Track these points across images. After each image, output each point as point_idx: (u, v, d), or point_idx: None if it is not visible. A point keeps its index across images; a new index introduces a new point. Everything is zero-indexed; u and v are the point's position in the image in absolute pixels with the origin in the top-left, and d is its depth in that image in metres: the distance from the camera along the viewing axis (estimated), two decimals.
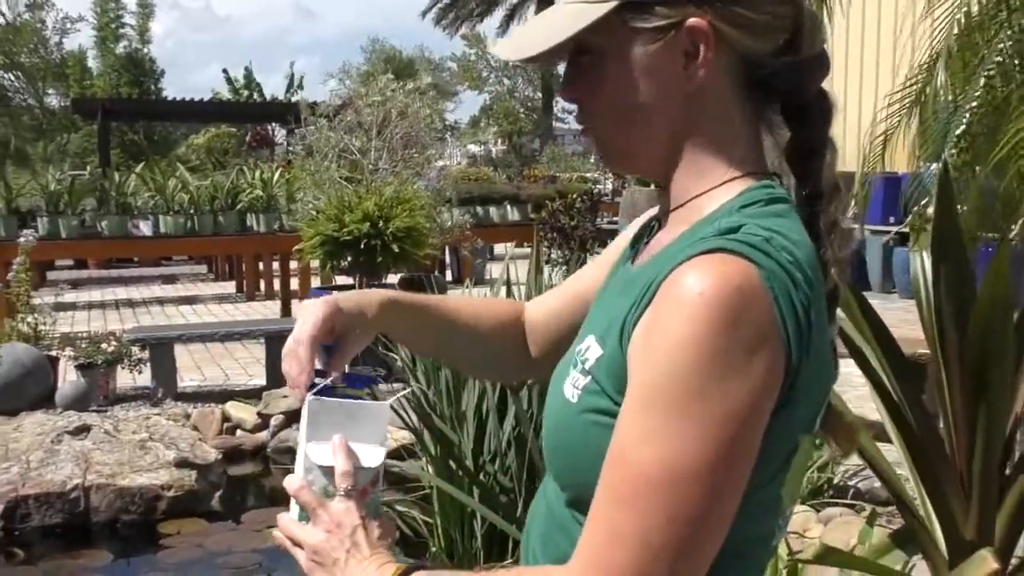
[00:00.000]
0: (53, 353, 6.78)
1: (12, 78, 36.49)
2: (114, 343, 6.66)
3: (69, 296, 14.27)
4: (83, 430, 5.60)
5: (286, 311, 10.95)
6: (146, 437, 5.60)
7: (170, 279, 17.12)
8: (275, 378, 6.82)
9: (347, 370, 1.14)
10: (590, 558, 0.86)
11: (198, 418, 6.28)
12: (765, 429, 0.85)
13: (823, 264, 0.94)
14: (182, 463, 5.27)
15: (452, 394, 4.36)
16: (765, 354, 0.83)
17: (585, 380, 0.95)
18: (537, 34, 0.98)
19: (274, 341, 6.94)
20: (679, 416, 0.83)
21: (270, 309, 11.86)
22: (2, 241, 8.96)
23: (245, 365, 8.07)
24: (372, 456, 1.06)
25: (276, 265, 12.26)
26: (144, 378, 6.86)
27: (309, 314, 1.11)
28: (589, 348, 0.97)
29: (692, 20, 0.91)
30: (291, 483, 1.05)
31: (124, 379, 6.98)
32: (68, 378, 6.76)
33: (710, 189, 0.97)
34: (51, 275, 17.17)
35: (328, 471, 1.04)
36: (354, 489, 1.03)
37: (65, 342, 6.91)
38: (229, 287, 15.16)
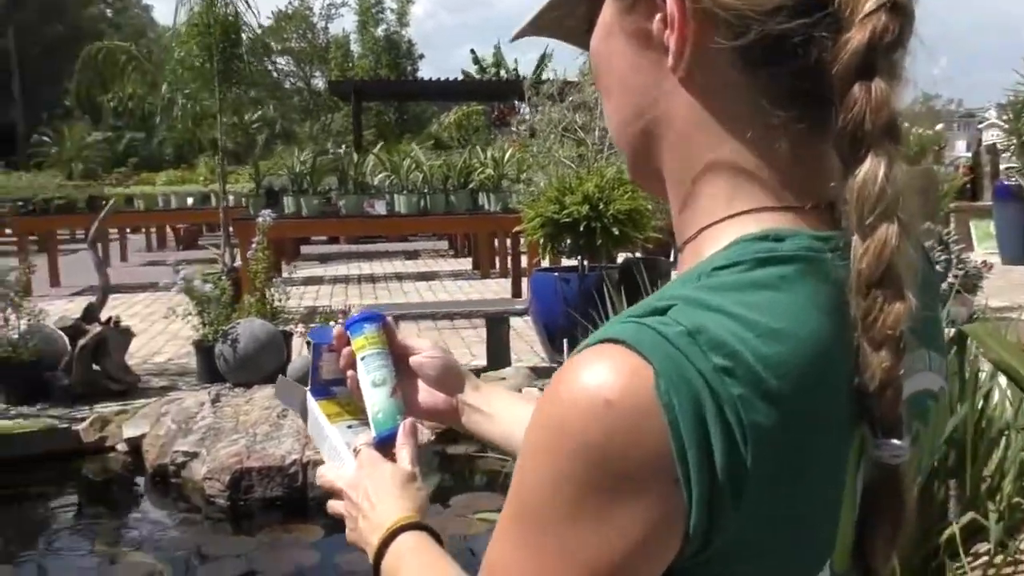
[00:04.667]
0: (288, 329, 7.08)
1: (283, 63, 39.08)
2: (342, 320, 6.85)
3: (318, 270, 15.05)
4: None
5: (516, 290, 11.01)
6: None
7: (412, 255, 17.73)
8: (494, 360, 6.83)
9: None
10: None
11: None
12: None
13: (858, 354, 0.64)
14: None
15: None
16: (634, 497, 0.59)
17: None
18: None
19: (494, 323, 6.94)
20: (516, 531, 0.65)
21: (502, 287, 11.98)
22: (250, 219, 9.46)
23: (470, 344, 8.14)
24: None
25: (510, 242, 12.37)
26: None
27: None
28: None
29: None
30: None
31: None
32: (302, 353, 7.03)
33: (709, 225, 0.71)
34: (305, 249, 18.19)
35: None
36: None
37: (301, 318, 7.21)
38: (467, 263, 15.49)
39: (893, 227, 0.63)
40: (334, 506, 1.09)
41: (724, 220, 0.70)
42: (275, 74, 36.00)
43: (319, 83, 39.07)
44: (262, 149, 33.52)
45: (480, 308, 7.30)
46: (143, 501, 5.47)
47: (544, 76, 13.44)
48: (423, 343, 1.18)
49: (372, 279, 13.72)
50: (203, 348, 6.81)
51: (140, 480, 5.54)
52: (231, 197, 12.47)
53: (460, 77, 29.52)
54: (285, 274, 12.23)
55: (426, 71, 38.15)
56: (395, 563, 0.96)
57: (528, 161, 8.22)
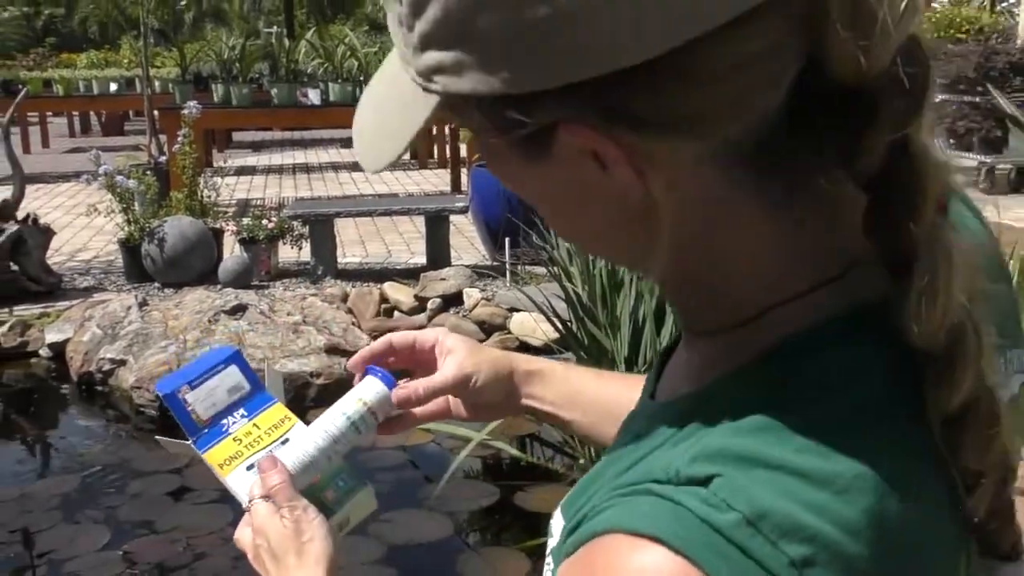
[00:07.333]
0: (218, 226, 6.80)
1: None
2: (275, 219, 6.59)
3: (251, 159, 14.58)
4: (239, 310, 5.56)
5: (456, 183, 10.75)
6: (299, 320, 5.52)
7: (348, 143, 17.23)
8: (434, 259, 6.65)
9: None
10: None
11: (356, 298, 6.17)
12: None
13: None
14: (332, 350, 5.16)
15: (608, 297, 4.07)
16: None
17: (548, 569, 0.60)
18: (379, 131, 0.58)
19: (434, 222, 6.72)
20: None
21: (442, 178, 11.71)
22: (176, 108, 9.02)
23: (409, 241, 7.94)
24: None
25: (448, 132, 12.03)
26: (307, 253, 6.81)
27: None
28: (555, 517, 0.60)
29: (565, 129, 0.50)
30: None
31: (289, 253, 6.96)
32: (234, 252, 6.77)
33: (733, 328, 0.55)
34: (237, 136, 17.61)
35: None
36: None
37: (234, 214, 6.94)
38: (405, 152, 15.09)
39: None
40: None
41: (749, 323, 0.54)
42: None
43: None
44: (191, 28, 32.20)
45: (419, 205, 7.06)
46: (69, 410, 5.26)
47: None
48: (457, 349, 0.96)
49: (307, 169, 13.33)
50: (129, 247, 6.51)
51: (65, 388, 5.31)
52: (156, 83, 11.90)
53: None
54: (218, 163, 11.82)
55: None
56: None
57: None
